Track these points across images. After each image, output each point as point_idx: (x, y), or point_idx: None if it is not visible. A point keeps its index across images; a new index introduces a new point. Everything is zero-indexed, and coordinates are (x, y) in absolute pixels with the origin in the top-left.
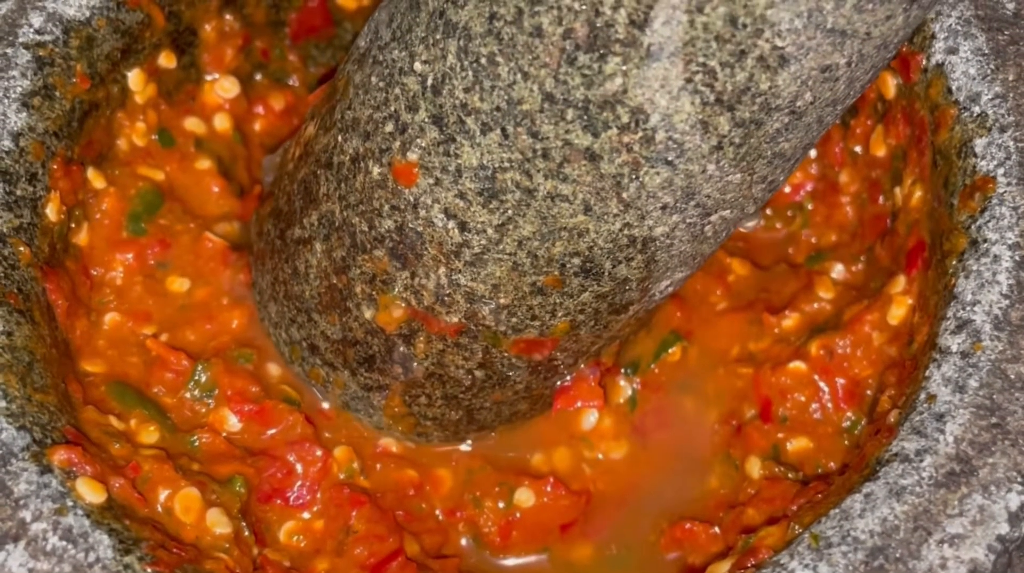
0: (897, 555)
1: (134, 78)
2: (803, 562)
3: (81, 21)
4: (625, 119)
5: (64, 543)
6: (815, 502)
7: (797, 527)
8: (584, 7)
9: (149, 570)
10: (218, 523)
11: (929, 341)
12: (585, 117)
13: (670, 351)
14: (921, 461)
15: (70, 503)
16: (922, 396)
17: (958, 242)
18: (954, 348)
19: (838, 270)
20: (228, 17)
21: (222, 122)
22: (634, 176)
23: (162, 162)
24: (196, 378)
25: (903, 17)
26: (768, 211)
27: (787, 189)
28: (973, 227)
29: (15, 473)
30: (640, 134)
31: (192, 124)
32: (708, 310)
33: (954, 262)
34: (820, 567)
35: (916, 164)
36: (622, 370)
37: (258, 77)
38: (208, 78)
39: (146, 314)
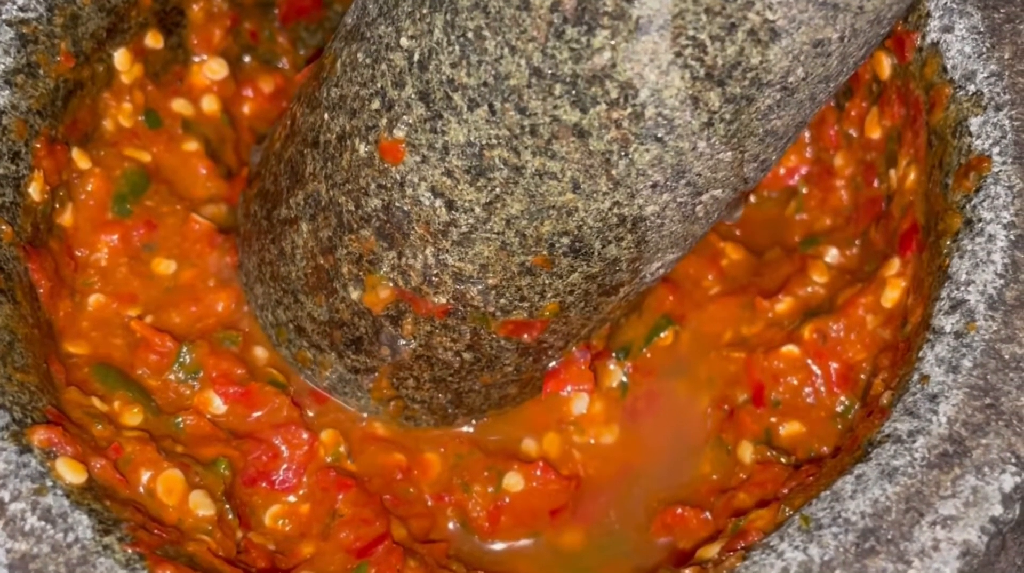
0: (889, 537)
1: (120, 58)
2: (793, 544)
3: None
4: (614, 94)
5: (43, 523)
6: (806, 485)
7: (787, 509)
8: None
9: (129, 550)
10: (201, 505)
11: (923, 322)
12: (573, 92)
13: (662, 335)
14: (914, 442)
15: (49, 483)
16: (915, 377)
17: (952, 222)
18: (948, 328)
19: (832, 254)
20: None
21: (210, 104)
22: (623, 153)
23: (149, 143)
24: (181, 360)
25: None
26: (765, 193)
27: (781, 171)
28: (968, 207)
29: None
30: (629, 110)
31: (180, 105)
32: (700, 294)
33: (948, 242)
34: (810, 548)
35: (911, 145)
36: (613, 354)
37: (247, 59)
38: (196, 59)
39: (131, 296)
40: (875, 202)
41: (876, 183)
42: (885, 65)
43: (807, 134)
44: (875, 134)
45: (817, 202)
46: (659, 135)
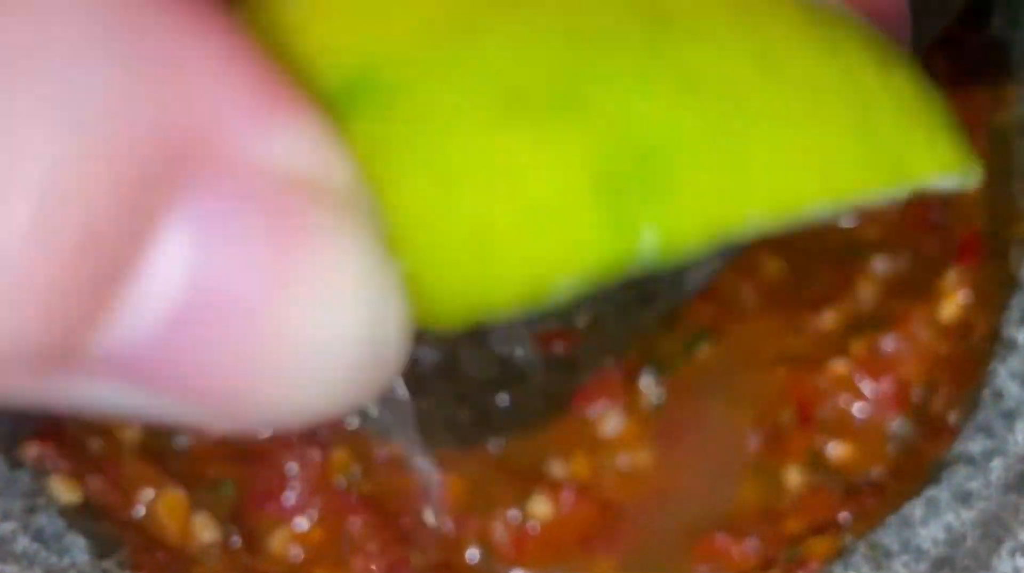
0: (964, 565)
1: None
2: None
3: None
4: None
5: (36, 545)
6: (868, 510)
7: (850, 536)
8: None
9: None
10: (205, 528)
11: (991, 334)
12: None
13: (699, 350)
14: (989, 463)
15: (43, 502)
16: (986, 393)
17: (1021, 228)
18: (1020, 340)
19: (880, 264)
20: None
21: None
22: None
23: None
24: None
25: None
26: None
27: None
28: None
29: None
30: None
31: None
32: (739, 307)
33: (1017, 249)
34: None
35: (970, 148)
36: (647, 370)
37: None
38: None
39: None
40: (927, 208)
41: None
42: (941, 64)
43: None
44: None
45: (863, 210)
46: None
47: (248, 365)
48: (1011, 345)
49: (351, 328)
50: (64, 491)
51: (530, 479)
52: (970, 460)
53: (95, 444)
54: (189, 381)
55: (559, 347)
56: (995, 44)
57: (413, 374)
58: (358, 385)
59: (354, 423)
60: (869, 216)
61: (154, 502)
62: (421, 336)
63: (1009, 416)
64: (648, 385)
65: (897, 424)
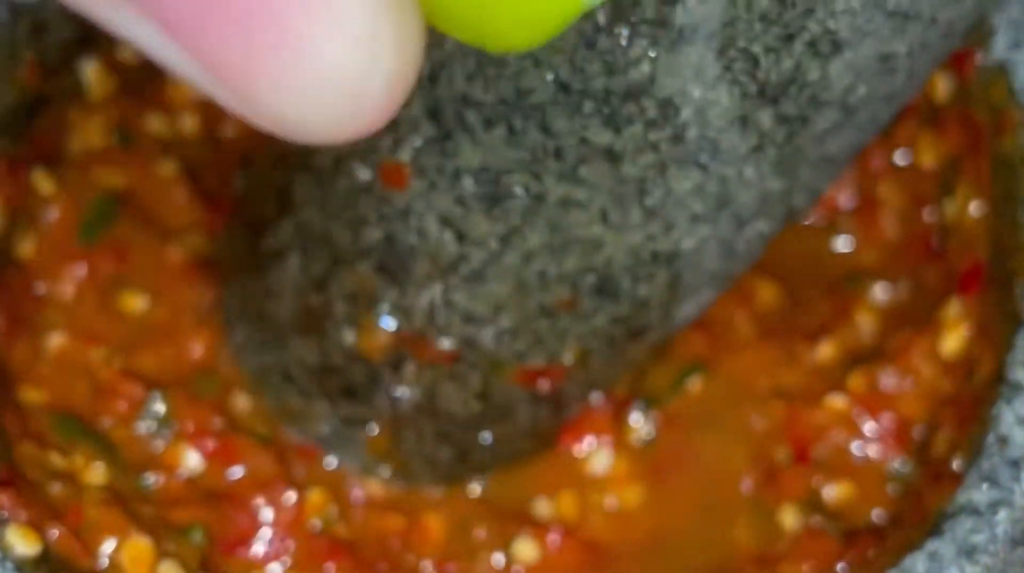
0: None
1: (91, 71)
2: None
3: (31, 4)
4: (652, 113)
5: None
6: (867, 560)
7: None
8: None
9: None
10: None
11: (995, 374)
12: (605, 110)
13: (691, 383)
14: (994, 515)
15: None
16: (991, 438)
17: None
18: None
19: (879, 293)
20: None
21: (190, 123)
22: (660, 180)
23: (121, 165)
24: (152, 409)
25: (972, 0)
26: (802, 224)
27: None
28: None
29: None
30: (669, 131)
31: (156, 124)
32: (733, 338)
33: (1022, 282)
34: None
35: (972, 174)
36: (637, 405)
37: None
38: None
39: (97, 336)
40: (927, 235)
41: (928, 215)
42: (940, 86)
43: None
44: (928, 162)
45: (860, 235)
46: (702, 160)
47: (260, 45)
48: (1017, 388)
49: (353, 39)
50: (21, 543)
51: (515, 520)
52: (974, 511)
53: (55, 489)
54: (210, 42)
55: (544, 383)
56: (998, 67)
57: (393, 411)
58: (362, 93)
59: (332, 463)
60: (867, 241)
61: (117, 551)
62: (402, 374)
63: (1015, 465)
64: (638, 420)
65: (898, 463)
